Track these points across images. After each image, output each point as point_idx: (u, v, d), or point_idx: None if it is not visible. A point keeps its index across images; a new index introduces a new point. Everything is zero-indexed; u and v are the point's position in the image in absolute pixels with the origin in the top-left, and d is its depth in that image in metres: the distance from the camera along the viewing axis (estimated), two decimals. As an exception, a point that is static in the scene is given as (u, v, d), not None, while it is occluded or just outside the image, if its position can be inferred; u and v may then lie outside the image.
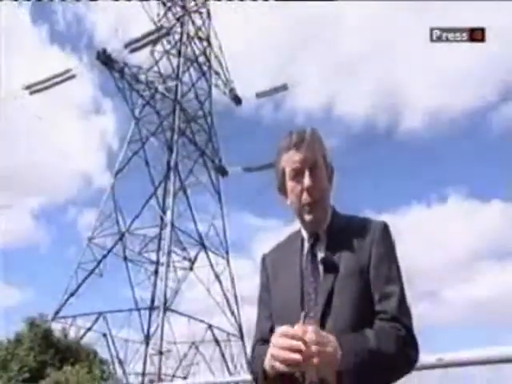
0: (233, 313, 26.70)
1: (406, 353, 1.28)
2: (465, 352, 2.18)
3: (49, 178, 43.74)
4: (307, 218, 1.47)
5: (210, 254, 27.32)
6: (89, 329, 23.53)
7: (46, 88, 26.42)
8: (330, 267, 1.24)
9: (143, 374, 22.91)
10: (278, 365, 1.22)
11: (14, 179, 35.22)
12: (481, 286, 51.70)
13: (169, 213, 25.38)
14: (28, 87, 26.32)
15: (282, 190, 1.54)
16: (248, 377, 1.47)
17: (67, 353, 12.06)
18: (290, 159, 1.47)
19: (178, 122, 27.50)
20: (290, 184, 1.49)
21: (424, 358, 1.38)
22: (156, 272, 26.09)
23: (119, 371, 21.33)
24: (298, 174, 1.46)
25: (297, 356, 1.16)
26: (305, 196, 1.45)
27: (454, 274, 53.62)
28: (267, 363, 1.28)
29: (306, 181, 1.44)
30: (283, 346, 1.18)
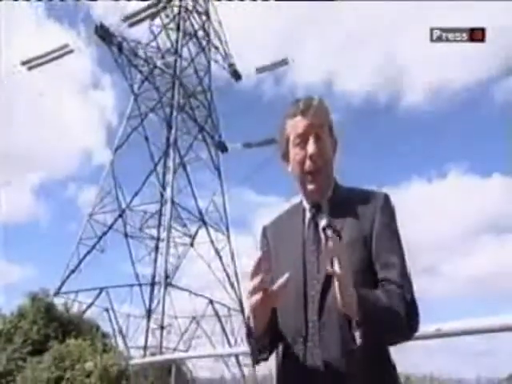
0: (233, 287, 26.95)
1: (411, 317, 1.30)
2: (463, 322, 2.20)
3: (48, 153, 43.60)
4: (310, 186, 1.47)
5: (210, 230, 27.47)
6: (91, 304, 23.84)
7: (44, 63, 26.12)
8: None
9: (145, 348, 23.25)
10: (251, 316, 1.29)
11: (13, 155, 35.11)
12: (480, 261, 52.07)
13: (169, 189, 25.37)
14: (25, 63, 26.01)
15: (286, 158, 1.53)
16: (247, 349, 1.48)
17: (70, 326, 12.24)
18: (296, 125, 1.46)
19: (177, 98, 27.27)
20: (293, 151, 1.48)
21: (422, 328, 1.39)
22: (157, 248, 26.23)
23: (121, 345, 21.70)
24: (302, 141, 1.45)
25: (256, 296, 1.22)
26: (308, 163, 1.44)
27: (454, 248, 53.92)
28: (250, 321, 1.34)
29: (310, 148, 1.43)
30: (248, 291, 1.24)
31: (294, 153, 1.47)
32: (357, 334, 1.20)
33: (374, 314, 1.20)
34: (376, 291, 1.29)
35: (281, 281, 1.22)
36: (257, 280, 1.21)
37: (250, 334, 1.38)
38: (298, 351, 1.36)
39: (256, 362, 1.45)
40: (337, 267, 1.13)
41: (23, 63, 25.92)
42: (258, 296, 1.22)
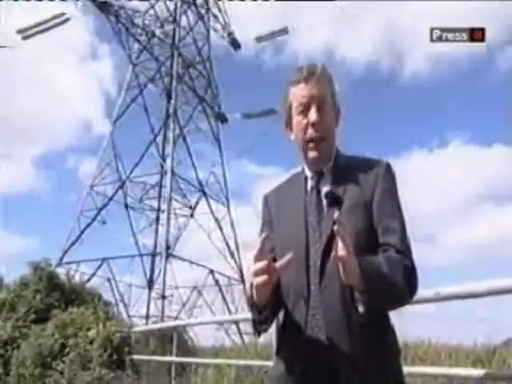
0: (233, 257, 27.19)
1: (410, 282, 1.31)
2: (461, 285, 2.21)
3: (48, 125, 43.32)
4: (311, 153, 1.47)
5: (210, 200, 27.54)
6: (93, 274, 24.11)
7: (40, 32, 25.63)
8: (335, 201, 1.25)
9: (147, 317, 23.63)
10: (254, 292, 1.28)
11: (13, 127, 34.91)
12: (480, 230, 52.40)
13: (169, 160, 25.32)
14: (20, 32, 25.52)
15: (289, 125, 1.53)
16: (249, 315, 1.49)
17: (72, 295, 12.40)
18: (298, 93, 1.46)
19: (176, 68, 26.92)
20: (296, 118, 1.48)
21: (421, 292, 1.41)
22: (157, 219, 26.37)
23: (124, 314, 22.04)
24: (305, 109, 1.45)
25: (259, 279, 1.22)
26: (310, 131, 1.44)
27: (454, 217, 54.14)
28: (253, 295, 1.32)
29: (313, 116, 1.43)
30: (251, 272, 1.24)
31: (297, 120, 1.48)
32: (359, 303, 1.22)
33: (376, 283, 1.21)
34: (376, 258, 1.31)
35: (284, 260, 1.22)
36: (261, 264, 1.23)
37: (252, 306, 1.38)
38: (300, 313, 1.38)
39: (258, 333, 1.46)
40: (342, 251, 1.14)
41: (18, 32, 25.46)
42: (261, 279, 1.23)
